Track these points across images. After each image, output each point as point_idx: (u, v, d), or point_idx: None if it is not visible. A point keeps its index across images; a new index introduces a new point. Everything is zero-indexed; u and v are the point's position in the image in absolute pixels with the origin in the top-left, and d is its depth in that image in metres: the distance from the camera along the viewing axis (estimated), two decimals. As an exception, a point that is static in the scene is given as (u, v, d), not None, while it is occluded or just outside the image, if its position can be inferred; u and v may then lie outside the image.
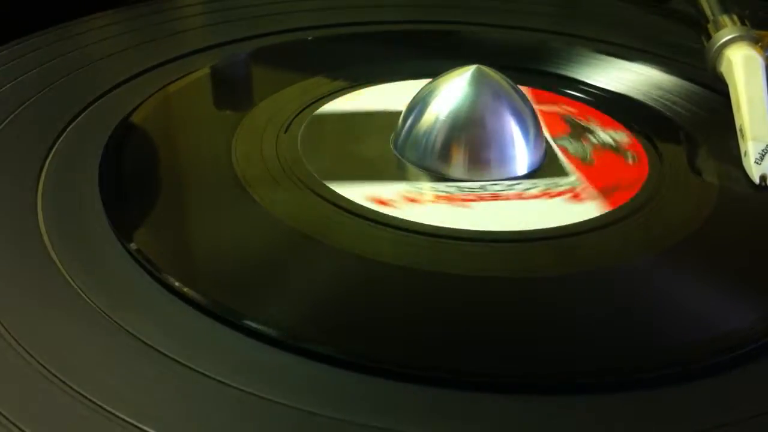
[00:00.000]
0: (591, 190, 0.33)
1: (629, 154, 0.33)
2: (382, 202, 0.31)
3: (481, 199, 0.33)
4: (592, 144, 0.34)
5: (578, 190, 0.33)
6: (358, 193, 0.32)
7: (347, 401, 0.24)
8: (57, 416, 0.23)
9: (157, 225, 0.31)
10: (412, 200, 0.32)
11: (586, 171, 0.34)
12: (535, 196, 0.33)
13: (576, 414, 0.24)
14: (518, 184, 0.34)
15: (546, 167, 0.35)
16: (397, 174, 0.34)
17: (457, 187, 0.33)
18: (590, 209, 0.32)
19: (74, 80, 0.41)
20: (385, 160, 0.35)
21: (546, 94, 0.41)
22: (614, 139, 0.33)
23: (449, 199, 0.32)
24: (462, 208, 0.32)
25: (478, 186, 0.34)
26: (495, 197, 0.33)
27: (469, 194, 0.33)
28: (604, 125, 0.35)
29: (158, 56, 0.43)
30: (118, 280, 0.28)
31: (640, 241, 0.31)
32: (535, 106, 0.37)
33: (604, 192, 0.33)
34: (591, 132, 0.35)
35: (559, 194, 0.33)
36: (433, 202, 0.32)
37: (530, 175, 0.35)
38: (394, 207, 0.31)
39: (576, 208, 0.32)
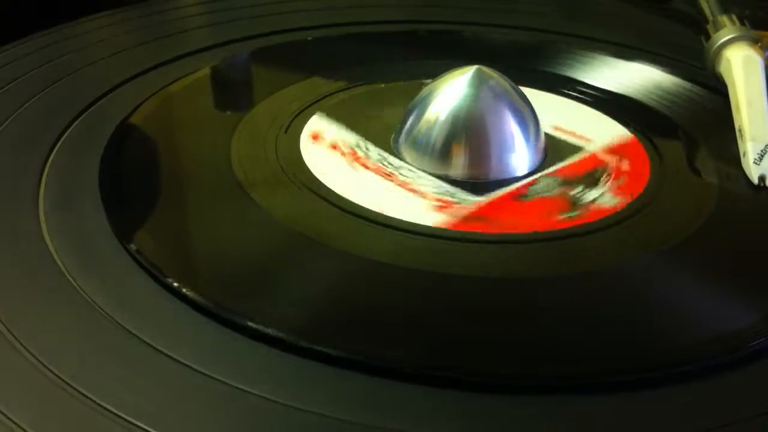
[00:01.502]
0: (463, 211, 0.32)
1: (577, 212, 0.32)
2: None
3: (376, 170, 0.34)
4: (563, 194, 0.34)
5: (455, 206, 0.32)
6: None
7: (347, 401, 0.24)
8: (57, 416, 0.23)
9: (157, 226, 0.31)
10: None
11: (501, 202, 0.33)
12: (416, 191, 0.33)
13: (576, 414, 0.24)
14: (430, 180, 0.34)
15: (486, 185, 0.34)
16: (439, 193, 0.34)
17: (382, 158, 0.35)
18: (430, 218, 0.32)
19: (74, 80, 0.41)
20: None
21: (634, 147, 0.37)
22: (593, 201, 0.33)
23: (356, 158, 0.34)
24: (352, 168, 0.34)
25: (396, 165, 0.35)
26: (389, 176, 0.34)
27: (375, 163, 0.35)
28: (617, 189, 0.34)
29: (158, 56, 0.43)
30: (117, 280, 0.28)
31: (640, 241, 0.31)
32: (599, 153, 0.36)
33: (467, 218, 0.32)
34: (591, 188, 0.34)
35: (437, 200, 0.33)
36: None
37: (464, 183, 0.34)
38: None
39: (426, 214, 0.32)
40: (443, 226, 0.31)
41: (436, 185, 0.34)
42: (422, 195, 0.33)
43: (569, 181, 0.34)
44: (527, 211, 0.32)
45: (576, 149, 0.37)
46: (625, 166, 0.36)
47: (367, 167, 0.34)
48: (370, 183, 0.34)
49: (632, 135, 0.38)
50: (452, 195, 0.33)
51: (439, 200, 0.33)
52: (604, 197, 0.33)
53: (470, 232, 0.31)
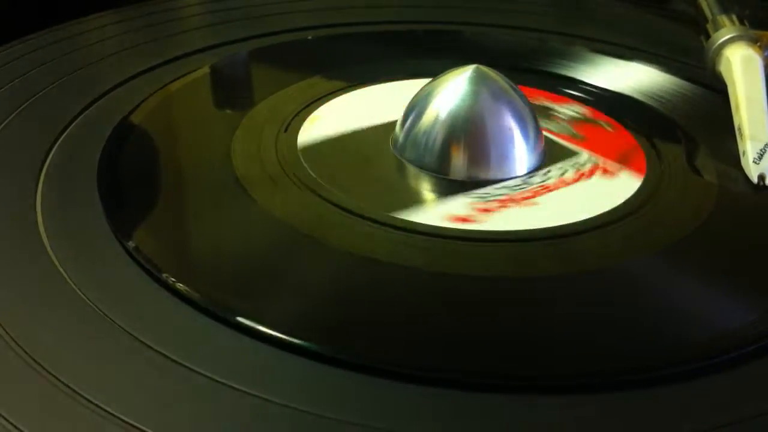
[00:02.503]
0: (611, 162, 0.33)
1: (602, 123, 0.33)
2: (461, 219, 0.31)
3: (537, 193, 0.33)
4: (565, 120, 0.34)
5: (601, 165, 0.33)
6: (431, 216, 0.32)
7: (347, 401, 0.24)
8: (56, 416, 0.22)
9: (156, 224, 0.31)
10: (486, 210, 0.32)
11: (587, 146, 0.34)
12: (576, 180, 0.33)
13: (576, 414, 0.24)
14: (548, 171, 0.35)
15: (550, 152, 0.35)
16: (439, 193, 0.34)
17: (495, 188, 0.34)
18: (628, 181, 0.33)
19: (74, 80, 0.41)
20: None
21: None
22: (577, 112, 0.33)
23: (512, 200, 0.33)
24: (529, 206, 0.33)
25: (514, 184, 0.34)
26: (545, 189, 0.33)
27: (520, 192, 0.33)
28: (554, 101, 0.35)
29: (158, 56, 0.43)
30: (116, 279, 0.28)
31: (639, 240, 0.31)
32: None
33: (622, 160, 0.33)
34: (551, 109, 0.35)
35: (592, 173, 0.33)
36: (501, 207, 0.32)
37: (544, 164, 0.35)
38: (474, 221, 0.31)
39: (617, 182, 0.33)
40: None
41: (498, 188, 0.34)
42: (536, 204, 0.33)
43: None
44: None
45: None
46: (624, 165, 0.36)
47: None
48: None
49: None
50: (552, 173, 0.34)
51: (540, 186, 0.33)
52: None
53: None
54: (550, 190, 0.34)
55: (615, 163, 0.35)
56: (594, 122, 0.35)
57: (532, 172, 0.35)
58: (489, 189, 0.34)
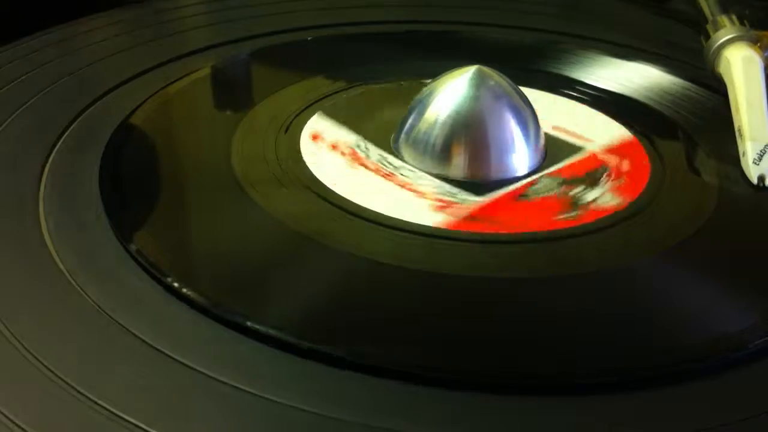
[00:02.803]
0: (464, 211, 0.32)
1: (575, 213, 0.31)
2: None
3: (375, 170, 0.34)
4: (564, 194, 0.34)
5: (455, 206, 0.32)
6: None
7: (347, 401, 0.24)
8: (57, 416, 0.23)
9: (157, 226, 0.31)
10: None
11: (501, 202, 0.33)
12: (415, 191, 0.33)
13: (576, 414, 0.24)
14: (430, 180, 0.34)
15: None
16: (443, 192, 0.34)
17: (382, 158, 0.35)
18: (430, 219, 0.32)
19: (74, 80, 0.41)
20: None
21: (634, 147, 0.37)
22: (594, 200, 0.33)
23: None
24: (351, 168, 0.34)
25: (396, 165, 0.35)
26: (389, 176, 0.34)
27: (374, 163, 0.34)
28: (617, 189, 0.34)
29: (158, 56, 0.43)
30: (117, 280, 0.28)
31: (640, 241, 0.31)
32: (599, 152, 0.36)
33: (468, 218, 0.32)
34: (591, 187, 0.34)
35: (436, 200, 0.33)
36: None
37: (464, 183, 0.34)
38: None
39: (425, 213, 0.32)
40: (443, 226, 0.31)
41: (437, 185, 0.34)
42: (422, 195, 0.33)
43: (569, 181, 0.34)
44: (527, 211, 0.32)
45: (576, 149, 0.37)
46: (625, 166, 0.36)
47: (367, 167, 0.35)
48: (370, 183, 0.34)
49: (632, 135, 0.38)
50: (453, 195, 0.33)
51: (439, 200, 0.33)
52: (604, 197, 0.33)
53: (470, 232, 0.31)
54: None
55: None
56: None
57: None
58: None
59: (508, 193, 0.34)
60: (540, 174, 0.35)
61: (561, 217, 0.32)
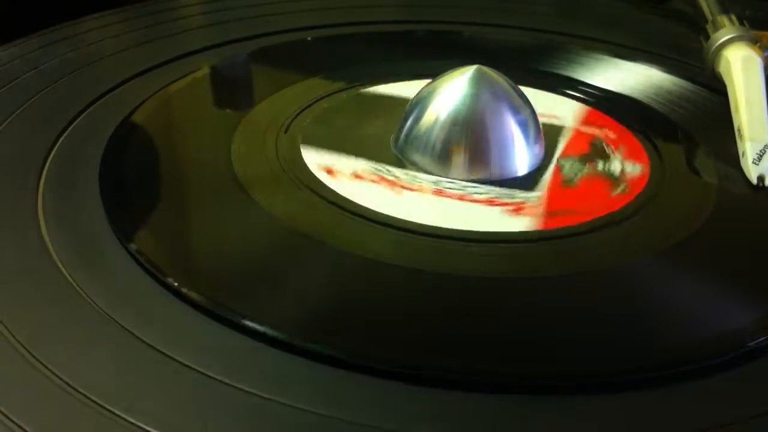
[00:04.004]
0: (539, 209, 0.32)
1: (622, 186, 0.32)
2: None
3: (420, 189, 0.33)
4: (594, 170, 0.34)
5: (526, 205, 0.32)
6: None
7: (347, 401, 0.24)
8: (57, 416, 0.23)
9: (157, 225, 0.31)
10: (357, 176, 0.32)
11: (557, 192, 0.34)
12: (477, 201, 0.33)
13: (576, 414, 0.24)
14: (474, 187, 0.34)
15: (522, 178, 0.35)
16: (443, 191, 0.34)
17: (413, 176, 0.34)
18: (518, 224, 0.31)
19: (74, 80, 0.41)
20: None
21: (599, 116, 0.40)
22: (623, 170, 0.33)
23: (392, 183, 0.33)
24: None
25: (433, 180, 0.34)
26: (438, 192, 0.33)
27: (414, 183, 0.34)
28: (627, 156, 0.34)
29: (158, 56, 0.43)
30: (118, 280, 0.28)
31: (640, 241, 0.31)
32: (579, 127, 0.37)
33: (549, 214, 0.32)
34: (607, 159, 0.35)
35: (503, 204, 0.32)
36: (501, 207, 0.32)
37: (500, 182, 0.34)
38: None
39: (509, 220, 0.32)
40: (532, 229, 0.31)
41: (487, 190, 0.33)
42: (489, 203, 0.33)
43: (586, 158, 0.34)
44: (585, 196, 0.33)
45: (558, 129, 0.37)
46: (611, 134, 0.37)
47: (409, 189, 0.34)
48: (419, 202, 0.33)
49: (585, 107, 0.39)
50: (511, 196, 0.33)
51: (504, 204, 0.32)
52: (626, 166, 0.34)
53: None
54: (441, 195, 0.33)
55: (539, 210, 0.33)
56: (615, 182, 0.34)
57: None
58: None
59: (552, 182, 0.34)
60: (554, 159, 0.35)
61: (616, 193, 0.32)
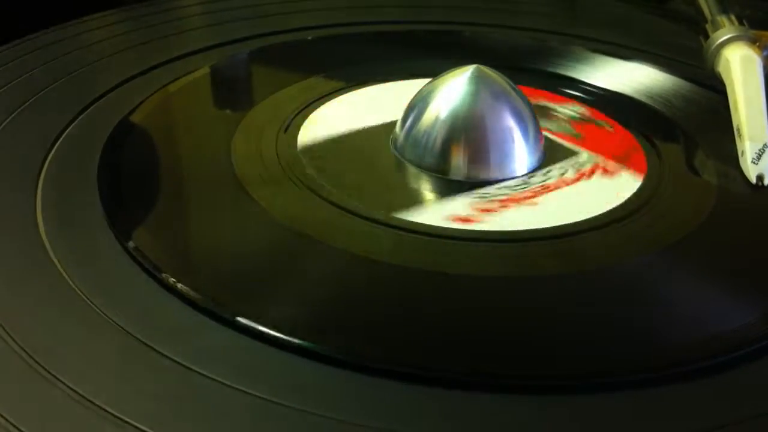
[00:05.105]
0: (611, 162, 0.33)
1: (602, 123, 0.33)
2: (462, 219, 0.31)
3: (538, 193, 0.33)
4: (565, 119, 0.34)
5: (602, 165, 0.33)
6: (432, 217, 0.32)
7: (347, 401, 0.24)
8: (56, 416, 0.23)
9: (156, 225, 0.31)
10: (486, 210, 0.32)
11: (587, 145, 0.35)
12: (576, 180, 0.33)
13: (575, 414, 0.24)
14: (548, 171, 0.35)
15: (551, 153, 0.36)
16: (439, 193, 0.34)
17: (496, 188, 0.34)
18: (629, 181, 0.33)
19: (74, 80, 0.41)
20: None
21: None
22: (576, 112, 0.33)
23: (513, 200, 0.33)
24: (529, 206, 0.33)
25: (515, 184, 0.34)
26: (546, 189, 0.34)
27: (520, 192, 0.33)
28: (554, 101, 0.35)
29: (158, 56, 0.43)
30: (116, 279, 0.28)
31: (639, 240, 0.31)
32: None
33: (622, 160, 0.33)
34: (551, 109, 0.35)
35: (593, 172, 0.33)
36: (501, 207, 0.32)
37: (544, 163, 0.35)
38: (474, 221, 0.31)
39: (617, 181, 0.33)
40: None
41: (496, 190, 0.34)
42: (513, 200, 0.33)
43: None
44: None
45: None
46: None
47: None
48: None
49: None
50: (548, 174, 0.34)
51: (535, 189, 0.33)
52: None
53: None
54: (551, 190, 0.34)
55: (615, 163, 0.36)
56: (594, 122, 0.35)
57: (532, 172, 0.35)
58: (489, 189, 0.34)
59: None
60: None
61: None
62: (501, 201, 0.33)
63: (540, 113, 0.38)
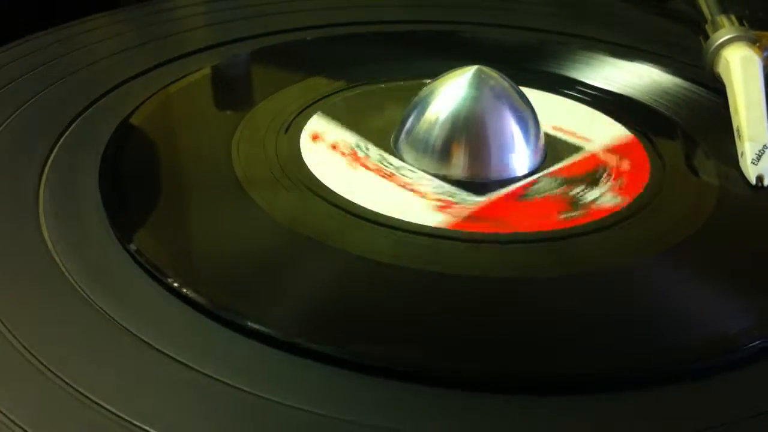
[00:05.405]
0: (464, 211, 0.32)
1: (577, 212, 0.31)
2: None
3: (373, 170, 0.34)
4: (564, 193, 0.34)
5: (456, 206, 0.32)
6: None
7: (347, 401, 0.24)
8: (56, 415, 0.23)
9: (157, 226, 0.31)
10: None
11: (501, 202, 0.33)
12: (415, 191, 0.33)
13: (576, 414, 0.24)
14: (430, 180, 0.34)
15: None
16: (444, 192, 0.34)
17: (496, 188, 0.34)
18: (430, 219, 0.32)
19: (74, 80, 0.41)
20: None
21: (633, 147, 0.37)
22: (594, 200, 0.33)
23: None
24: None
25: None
26: (389, 176, 0.34)
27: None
28: (618, 189, 0.34)
29: (158, 56, 0.43)
30: (117, 280, 0.28)
31: (639, 241, 0.31)
32: (599, 152, 0.37)
33: (466, 218, 0.32)
34: (591, 187, 0.34)
35: (436, 200, 0.33)
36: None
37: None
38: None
39: (425, 214, 0.32)
40: (443, 227, 0.31)
41: (437, 185, 0.34)
42: (423, 195, 0.33)
43: (569, 181, 0.34)
44: (527, 211, 0.32)
45: (576, 149, 0.37)
46: (625, 165, 0.36)
47: (367, 167, 0.35)
48: (371, 183, 0.34)
49: (632, 135, 0.38)
50: (452, 195, 0.33)
51: (439, 200, 0.33)
52: (604, 197, 0.33)
53: (470, 232, 0.31)
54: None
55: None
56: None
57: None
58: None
59: (508, 193, 0.34)
60: (540, 174, 0.35)
61: (562, 216, 0.32)
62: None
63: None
